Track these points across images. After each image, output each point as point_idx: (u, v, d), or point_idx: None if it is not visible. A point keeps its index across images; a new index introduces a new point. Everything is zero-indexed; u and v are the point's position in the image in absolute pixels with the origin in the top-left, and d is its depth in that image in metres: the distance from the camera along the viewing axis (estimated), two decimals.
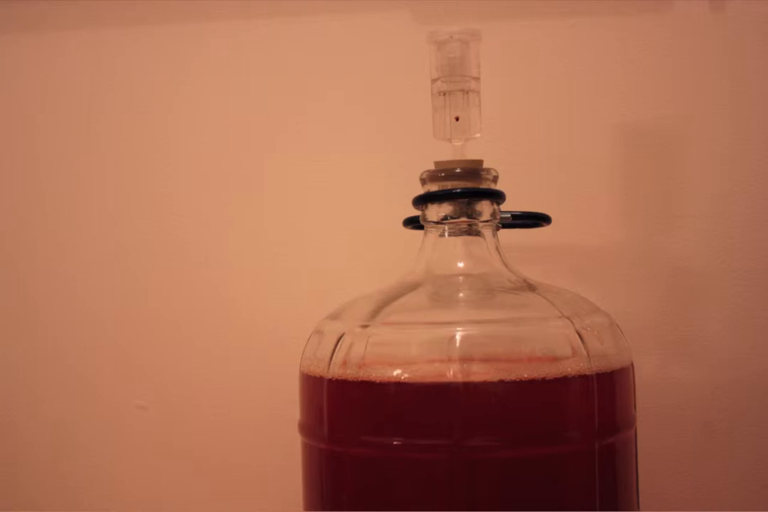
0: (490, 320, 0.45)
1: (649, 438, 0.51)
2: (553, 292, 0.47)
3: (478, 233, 0.48)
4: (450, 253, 0.48)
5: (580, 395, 0.43)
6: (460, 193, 0.47)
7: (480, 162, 0.47)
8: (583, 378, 0.43)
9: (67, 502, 0.66)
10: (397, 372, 0.43)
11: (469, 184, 0.47)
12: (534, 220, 0.52)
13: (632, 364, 0.47)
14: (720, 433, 0.59)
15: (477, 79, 0.47)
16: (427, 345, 0.44)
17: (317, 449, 0.46)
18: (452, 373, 0.42)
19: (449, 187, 0.47)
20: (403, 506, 0.43)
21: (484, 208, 0.47)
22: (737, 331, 0.59)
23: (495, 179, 0.47)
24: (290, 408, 0.49)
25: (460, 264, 0.48)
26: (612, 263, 0.60)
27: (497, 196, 0.47)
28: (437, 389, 0.42)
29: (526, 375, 0.42)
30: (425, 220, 0.48)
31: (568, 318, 0.44)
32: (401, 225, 0.52)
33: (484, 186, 0.47)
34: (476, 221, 0.47)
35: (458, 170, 0.47)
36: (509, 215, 0.49)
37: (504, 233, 0.50)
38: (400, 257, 0.50)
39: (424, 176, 0.47)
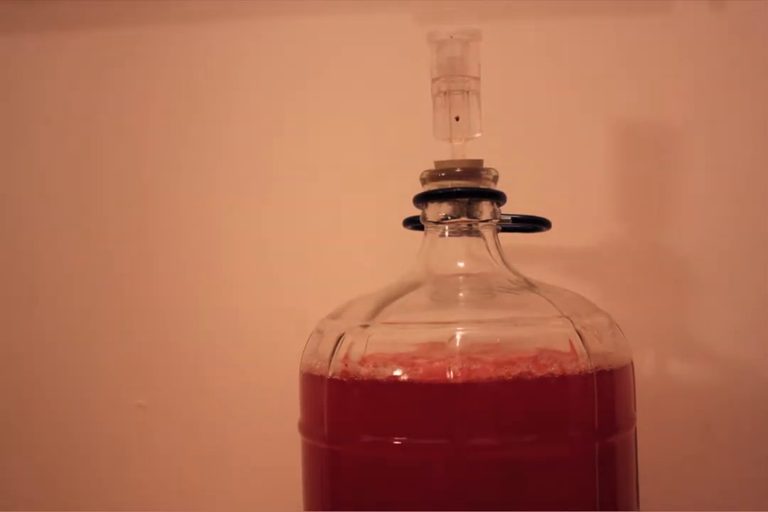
0: (491, 320, 0.45)
1: (649, 438, 0.51)
2: (553, 292, 0.47)
3: (478, 233, 0.48)
4: (450, 253, 0.48)
5: (580, 395, 0.43)
6: (460, 193, 0.47)
7: (480, 162, 0.47)
8: (583, 377, 0.43)
9: (66, 502, 0.66)
10: (397, 371, 0.43)
11: (469, 184, 0.47)
12: (534, 224, 0.52)
13: (632, 364, 0.47)
14: (720, 433, 0.59)
15: (477, 79, 0.47)
16: (427, 345, 0.44)
17: (317, 448, 0.46)
18: (452, 373, 0.42)
19: (449, 187, 0.47)
20: (403, 506, 0.43)
21: (484, 207, 0.47)
22: (737, 331, 0.59)
23: (495, 179, 0.47)
24: (290, 407, 0.49)
25: (460, 264, 0.48)
26: (612, 263, 0.60)
27: (497, 196, 0.47)
28: (437, 389, 0.42)
29: (525, 375, 0.42)
30: (425, 219, 0.48)
31: (568, 317, 0.44)
32: (401, 225, 0.53)
33: (484, 186, 0.47)
34: (476, 221, 0.47)
35: (458, 170, 0.47)
36: (509, 218, 0.49)
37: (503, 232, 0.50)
38: (400, 257, 0.50)
39: (425, 176, 0.47)
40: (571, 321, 0.44)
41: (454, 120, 0.47)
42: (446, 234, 0.48)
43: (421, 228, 0.49)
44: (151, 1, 0.64)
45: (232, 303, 0.64)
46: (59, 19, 0.66)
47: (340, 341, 0.45)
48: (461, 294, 0.48)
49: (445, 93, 0.47)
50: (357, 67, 0.63)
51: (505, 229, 0.50)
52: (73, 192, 0.66)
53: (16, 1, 0.65)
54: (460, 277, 0.48)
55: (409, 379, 0.43)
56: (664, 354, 0.60)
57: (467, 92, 0.47)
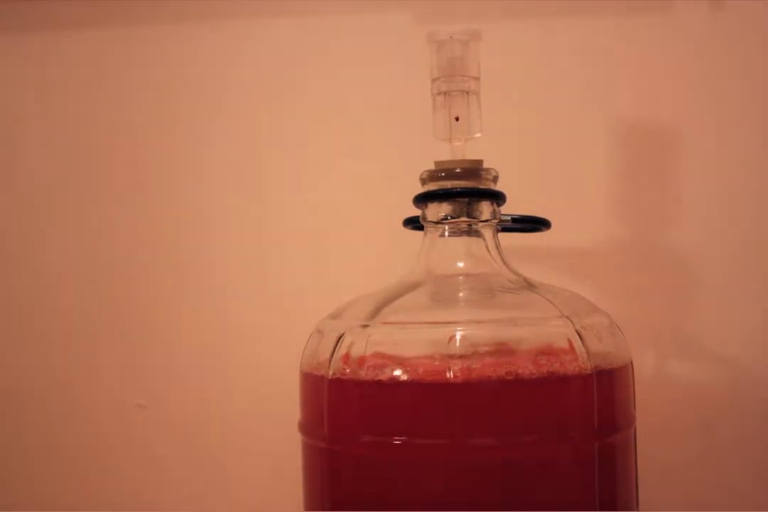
0: (490, 320, 0.45)
1: (649, 437, 0.51)
2: (552, 292, 0.47)
3: (478, 233, 0.48)
4: (450, 253, 0.48)
5: (579, 394, 0.43)
6: (460, 193, 0.47)
7: (480, 162, 0.47)
8: (583, 377, 0.43)
9: (66, 502, 0.66)
10: (397, 371, 0.43)
11: (469, 184, 0.47)
12: (534, 224, 0.52)
13: (632, 363, 0.47)
14: (720, 433, 0.59)
15: (477, 79, 0.47)
16: (427, 345, 0.44)
17: (317, 448, 0.46)
18: (452, 373, 0.42)
19: (449, 187, 0.47)
20: (403, 506, 0.43)
21: (484, 207, 0.47)
22: (737, 331, 0.59)
23: (495, 179, 0.47)
24: (290, 407, 0.49)
25: (460, 264, 0.48)
26: (612, 263, 0.60)
27: (497, 196, 0.47)
28: (437, 388, 0.42)
29: (525, 375, 0.42)
30: (425, 219, 0.48)
31: (567, 317, 0.44)
32: (401, 225, 0.53)
33: (484, 186, 0.47)
34: (476, 221, 0.47)
35: (458, 170, 0.47)
36: (509, 218, 0.49)
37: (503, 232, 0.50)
38: (400, 257, 0.50)
39: (424, 176, 0.48)
40: (571, 321, 0.44)
41: (454, 120, 0.47)
42: (446, 234, 0.48)
43: (421, 228, 0.49)
44: (147, 1, 0.64)
45: (232, 303, 0.64)
46: (58, 19, 0.66)
47: (340, 341, 0.45)
48: (461, 294, 0.48)
49: (445, 93, 0.47)
50: (356, 66, 0.63)
51: (505, 229, 0.50)
52: (70, 192, 0.66)
53: (16, 1, 0.65)
54: (460, 277, 0.48)
55: (409, 379, 0.43)
56: (664, 354, 0.60)
57: (467, 92, 0.47)
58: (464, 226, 0.47)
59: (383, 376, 0.43)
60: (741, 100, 0.59)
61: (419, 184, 0.48)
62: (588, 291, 0.51)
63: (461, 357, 0.42)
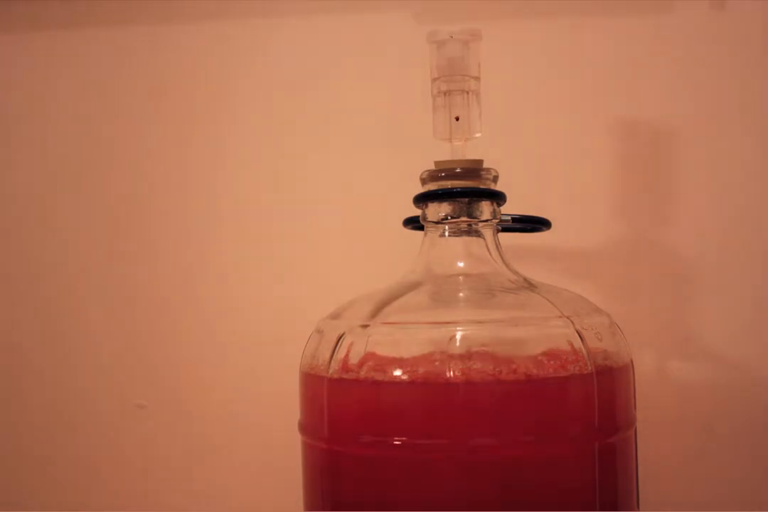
0: (491, 320, 0.45)
1: (649, 438, 0.51)
2: (553, 292, 0.47)
3: (478, 233, 0.48)
4: (450, 253, 0.48)
5: (580, 394, 0.43)
6: (460, 193, 0.47)
7: (480, 162, 0.47)
8: (583, 377, 0.43)
9: (66, 502, 0.66)
10: (397, 371, 0.43)
11: (469, 184, 0.47)
12: (534, 224, 0.52)
13: (632, 363, 0.47)
14: (720, 433, 0.59)
15: (477, 78, 0.47)
16: (427, 345, 0.44)
17: (317, 448, 0.46)
18: (452, 373, 0.42)
19: (449, 187, 0.47)
20: (404, 506, 0.43)
21: (484, 207, 0.47)
22: (737, 331, 0.59)
23: (495, 179, 0.47)
24: (290, 408, 0.49)
25: (460, 264, 0.48)
26: (612, 263, 0.60)
27: (497, 196, 0.47)
28: (437, 389, 0.42)
29: (525, 375, 0.42)
30: (425, 219, 0.48)
31: (568, 317, 0.44)
32: (401, 225, 0.53)
33: (484, 186, 0.47)
34: (476, 221, 0.47)
35: (458, 170, 0.47)
36: (509, 218, 0.49)
37: (503, 232, 0.50)
38: (400, 257, 0.50)
39: (424, 176, 0.47)
40: (571, 321, 0.44)
41: (454, 120, 0.47)
42: (446, 234, 0.48)
43: (421, 228, 0.49)
44: (151, 1, 0.64)
45: (233, 303, 0.64)
46: (59, 19, 0.66)
47: (340, 341, 0.45)
48: (461, 294, 0.48)
49: (445, 93, 0.47)
50: (355, 66, 0.63)
51: (505, 229, 0.50)
52: (73, 191, 0.66)
53: (16, 1, 0.65)
54: (460, 277, 0.48)
55: (409, 379, 0.43)
56: (664, 354, 0.60)
57: (467, 92, 0.47)
58: (464, 225, 0.47)
59: (383, 376, 0.43)
60: (741, 100, 0.59)
61: (419, 183, 0.48)
62: (588, 291, 0.51)
63: (461, 357, 0.42)
